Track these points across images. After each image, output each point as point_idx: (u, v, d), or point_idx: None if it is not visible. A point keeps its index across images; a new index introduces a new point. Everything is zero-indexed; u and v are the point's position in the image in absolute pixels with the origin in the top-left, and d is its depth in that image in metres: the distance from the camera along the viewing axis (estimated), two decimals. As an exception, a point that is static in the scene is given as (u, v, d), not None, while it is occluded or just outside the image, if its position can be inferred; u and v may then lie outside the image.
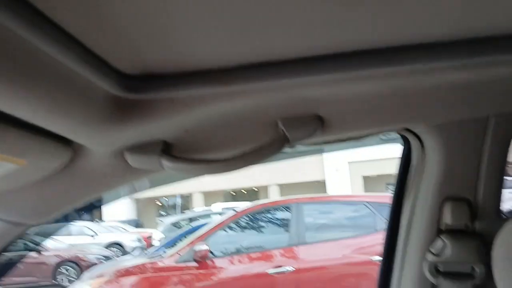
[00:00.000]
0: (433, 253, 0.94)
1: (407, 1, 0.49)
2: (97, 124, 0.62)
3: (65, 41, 0.46)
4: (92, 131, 0.63)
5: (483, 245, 0.90)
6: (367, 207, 5.68)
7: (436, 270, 0.94)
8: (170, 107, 0.65)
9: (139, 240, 14.78)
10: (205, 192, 22.86)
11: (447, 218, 0.92)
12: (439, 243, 0.93)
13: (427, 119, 0.86)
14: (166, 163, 0.71)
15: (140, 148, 0.71)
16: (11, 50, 0.43)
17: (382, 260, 1.13)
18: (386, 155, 16.35)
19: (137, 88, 0.60)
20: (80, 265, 11.26)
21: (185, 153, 0.75)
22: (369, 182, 20.37)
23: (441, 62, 0.63)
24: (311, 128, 0.73)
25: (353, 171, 20.26)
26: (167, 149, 0.72)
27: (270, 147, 0.72)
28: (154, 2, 0.45)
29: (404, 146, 1.06)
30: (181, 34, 0.52)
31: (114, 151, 0.72)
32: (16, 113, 0.52)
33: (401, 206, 1.05)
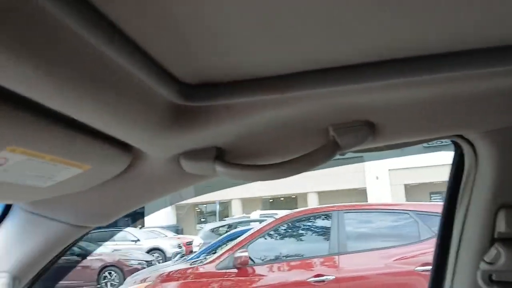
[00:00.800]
0: (486, 262, 0.91)
1: (458, 7, 0.49)
2: (156, 131, 0.65)
3: (132, 50, 0.49)
4: (151, 137, 0.66)
5: None
6: (411, 216, 5.54)
7: (490, 280, 0.91)
8: (225, 114, 0.67)
9: (179, 246, 15.00)
10: (244, 199, 22.97)
11: (501, 227, 0.89)
12: (493, 252, 0.91)
13: (480, 125, 0.84)
14: (219, 168, 0.73)
15: (195, 154, 0.74)
16: (82, 58, 0.46)
17: (433, 268, 1.10)
18: (428, 163, 15.93)
19: (194, 96, 0.63)
20: (122, 270, 11.54)
21: (237, 159, 0.76)
22: (411, 190, 19.86)
23: (494, 68, 0.62)
24: (362, 134, 0.73)
25: (394, 179, 19.81)
26: (220, 155, 0.74)
27: (322, 153, 0.72)
28: (214, 16, 0.47)
29: (456, 152, 1.03)
30: (237, 44, 0.54)
31: (170, 157, 0.75)
32: (83, 118, 0.55)
33: (453, 214, 1.03)
